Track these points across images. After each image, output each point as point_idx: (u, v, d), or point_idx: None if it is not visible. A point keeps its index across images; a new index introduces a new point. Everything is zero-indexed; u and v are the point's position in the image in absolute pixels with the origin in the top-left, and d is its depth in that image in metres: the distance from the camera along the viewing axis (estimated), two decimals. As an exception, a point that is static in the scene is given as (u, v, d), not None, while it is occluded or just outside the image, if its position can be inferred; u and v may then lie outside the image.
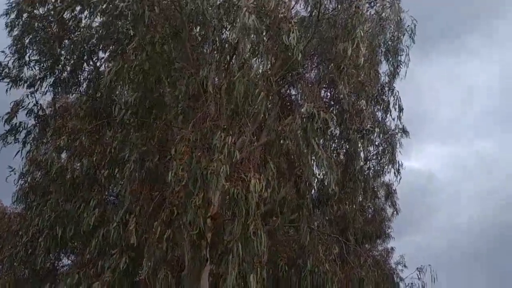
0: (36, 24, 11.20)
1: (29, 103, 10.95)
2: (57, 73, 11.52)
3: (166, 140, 9.26)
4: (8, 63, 11.10)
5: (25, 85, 11.35)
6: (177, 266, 9.11)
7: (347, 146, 11.92)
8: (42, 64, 11.51)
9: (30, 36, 11.13)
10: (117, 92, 8.97)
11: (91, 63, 11.12)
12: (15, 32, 11.09)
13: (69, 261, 11.26)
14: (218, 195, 9.86)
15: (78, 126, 9.52)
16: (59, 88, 11.61)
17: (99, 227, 8.76)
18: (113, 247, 8.57)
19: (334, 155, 12.68)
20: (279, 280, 10.49)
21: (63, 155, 9.63)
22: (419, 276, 10.74)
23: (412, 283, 10.98)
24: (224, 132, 8.21)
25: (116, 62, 8.80)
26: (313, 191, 11.05)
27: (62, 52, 10.98)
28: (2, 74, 11.06)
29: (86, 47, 10.68)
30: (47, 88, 11.51)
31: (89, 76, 11.32)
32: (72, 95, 11.97)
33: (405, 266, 17.90)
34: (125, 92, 9.27)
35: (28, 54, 11.13)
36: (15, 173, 10.56)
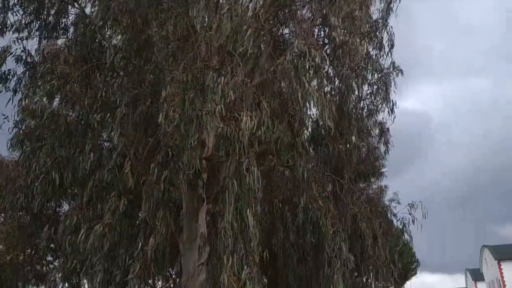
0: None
1: (17, 49, 10.69)
2: (42, 17, 11.20)
3: (158, 83, 9.17)
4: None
5: (11, 31, 11.08)
6: (174, 207, 9.33)
7: (340, 85, 11.85)
8: (26, 9, 11.17)
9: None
10: (106, 35, 8.73)
11: (76, 5, 10.77)
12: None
13: (69, 207, 11.49)
14: (212, 136, 9.94)
15: (67, 71, 9.38)
16: (46, 33, 11.33)
17: (95, 172, 8.86)
18: (110, 190, 8.73)
19: (328, 95, 12.66)
20: (274, 217, 10.82)
21: (55, 103, 9.57)
22: (410, 212, 11.08)
23: (403, 217, 11.33)
24: (216, 73, 8.14)
25: (102, 3, 8.55)
26: (307, 130, 11.13)
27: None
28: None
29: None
30: (33, 33, 11.26)
31: (76, 20, 11.00)
32: (59, 40, 11.71)
33: (398, 203, 18.36)
34: (113, 35, 9.06)
35: (12, -1, 10.74)
36: (8, 121, 10.53)
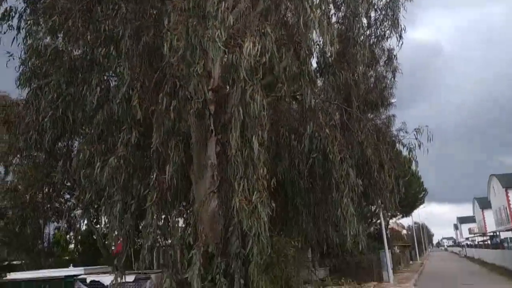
0: None
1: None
2: None
3: (160, 13, 9.02)
4: None
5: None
6: (184, 139, 9.50)
7: (347, 12, 11.56)
8: None
9: None
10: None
11: None
12: None
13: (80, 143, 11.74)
14: (218, 67, 9.93)
15: (68, 6, 9.23)
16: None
17: (103, 106, 8.98)
18: (121, 124, 8.89)
19: (335, 23, 12.38)
20: (281, 146, 11.00)
21: (60, 39, 9.50)
22: (416, 136, 11.18)
23: (409, 143, 11.46)
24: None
25: None
26: (313, 59, 11.02)
27: None
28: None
29: None
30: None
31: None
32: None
33: (406, 132, 18.44)
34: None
35: None
36: (13, 59, 10.55)
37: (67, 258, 32.63)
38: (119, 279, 8.31)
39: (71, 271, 12.34)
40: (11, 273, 13.87)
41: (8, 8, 10.54)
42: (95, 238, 30.89)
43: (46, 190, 26.77)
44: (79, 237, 35.13)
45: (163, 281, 8.00)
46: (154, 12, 9.13)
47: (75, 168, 8.78)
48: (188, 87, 8.28)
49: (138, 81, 8.50)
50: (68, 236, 35.52)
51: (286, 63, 9.61)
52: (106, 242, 30.78)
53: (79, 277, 11.38)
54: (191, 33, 7.65)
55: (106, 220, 8.18)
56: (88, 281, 10.99)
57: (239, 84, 7.82)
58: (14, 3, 10.42)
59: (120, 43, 8.61)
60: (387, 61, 13.88)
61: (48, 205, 28.45)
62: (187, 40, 7.62)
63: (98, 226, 29.57)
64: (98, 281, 10.79)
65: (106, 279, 11.00)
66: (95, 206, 12.81)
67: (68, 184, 26.48)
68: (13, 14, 10.49)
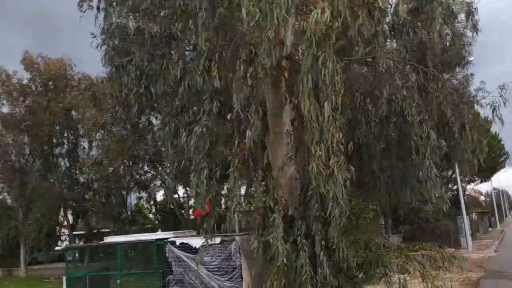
0: None
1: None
2: None
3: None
4: None
5: None
6: (261, 105, 9.75)
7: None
8: None
9: None
10: None
11: None
12: None
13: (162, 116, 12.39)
14: (290, 35, 9.98)
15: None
16: None
17: (183, 79, 9.43)
18: (200, 94, 9.31)
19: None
20: (355, 110, 10.93)
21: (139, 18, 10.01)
22: (501, 93, 10.60)
23: (493, 101, 10.90)
24: None
25: None
26: (387, 18, 10.68)
27: None
28: None
29: None
30: None
31: None
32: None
33: (486, 91, 17.46)
34: None
35: None
36: (96, 39, 11.27)
37: (149, 225, 35.10)
38: (208, 241, 8.89)
39: (161, 235, 13.35)
40: (107, 237, 15.23)
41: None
42: (172, 207, 32.86)
43: (128, 163, 28.74)
44: (158, 206, 37.52)
45: (250, 242, 8.46)
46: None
47: (163, 140, 9.37)
48: (262, 54, 8.45)
49: (216, 52, 8.79)
50: (148, 205, 38.07)
51: (360, 24, 9.44)
52: (183, 211, 32.60)
53: (169, 239, 12.30)
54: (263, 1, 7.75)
55: (194, 186, 8.65)
56: (177, 243, 11.85)
57: (310, 51, 7.84)
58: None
59: (196, 17, 8.92)
60: (465, 17, 13.10)
61: (130, 177, 30.59)
62: (259, 7, 7.74)
63: (176, 195, 31.35)
64: (187, 243, 11.61)
65: (194, 242, 11.82)
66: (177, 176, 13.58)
67: (147, 157, 28.21)
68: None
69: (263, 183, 11.21)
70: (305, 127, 8.38)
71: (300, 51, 9.38)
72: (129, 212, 33.92)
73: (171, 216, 33.73)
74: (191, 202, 28.80)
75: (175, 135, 9.73)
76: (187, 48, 10.14)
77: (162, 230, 17.03)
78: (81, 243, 32.07)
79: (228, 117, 9.79)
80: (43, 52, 31.95)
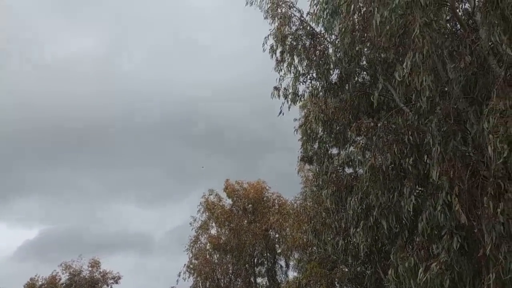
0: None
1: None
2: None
3: (467, 114, 9.35)
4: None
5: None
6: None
7: None
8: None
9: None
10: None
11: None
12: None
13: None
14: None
15: (371, 124, 10.51)
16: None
17: (419, 213, 9.44)
18: (439, 229, 9.13)
19: None
20: None
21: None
22: None
23: None
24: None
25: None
26: None
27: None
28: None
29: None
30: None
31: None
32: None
33: None
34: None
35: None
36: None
37: None
38: None
39: None
40: None
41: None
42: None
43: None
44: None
45: None
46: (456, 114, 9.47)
47: (403, 275, 9.27)
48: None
49: (456, 185, 8.71)
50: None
51: None
52: None
53: None
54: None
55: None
56: None
57: None
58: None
59: (429, 152, 9.14)
60: None
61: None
62: (508, 143, 7.65)
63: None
64: None
65: None
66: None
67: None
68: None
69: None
70: None
71: None
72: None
73: None
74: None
75: (414, 270, 9.52)
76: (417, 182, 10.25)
77: None
78: None
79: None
80: (240, 179, 35.59)
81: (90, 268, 38.51)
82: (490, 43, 8.85)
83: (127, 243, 51.35)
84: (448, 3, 9.64)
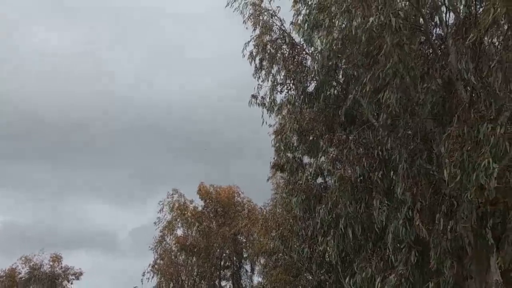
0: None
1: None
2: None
3: (433, 135, 9.93)
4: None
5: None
6: (462, 255, 9.67)
7: None
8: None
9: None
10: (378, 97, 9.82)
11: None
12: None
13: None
14: (494, 181, 10.03)
15: (343, 137, 10.98)
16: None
17: (384, 226, 9.96)
18: (400, 242, 9.68)
19: None
20: None
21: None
22: None
23: None
24: (491, 123, 8.47)
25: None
26: None
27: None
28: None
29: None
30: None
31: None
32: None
33: None
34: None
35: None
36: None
37: None
38: None
39: None
40: None
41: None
42: None
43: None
44: None
45: None
46: (423, 134, 10.05)
47: (361, 285, 9.74)
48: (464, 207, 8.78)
49: (418, 201, 9.27)
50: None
51: None
52: None
53: None
54: (465, 159, 8.27)
55: None
56: None
57: None
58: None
59: (396, 167, 9.68)
60: None
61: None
62: (461, 168, 8.26)
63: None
64: None
65: None
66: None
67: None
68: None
69: None
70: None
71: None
72: None
73: None
74: None
75: (371, 281, 10.02)
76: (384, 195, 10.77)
77: None
78: None
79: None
80: (215, 183, 35.80)
81: (51, 263, 37.92)
82: (458, 69, 9.46)
83: (90, 240, 50.89)
84: (422, 28, 10.24)
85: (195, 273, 34.69)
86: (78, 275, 38.55)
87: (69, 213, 55.08)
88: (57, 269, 38.18)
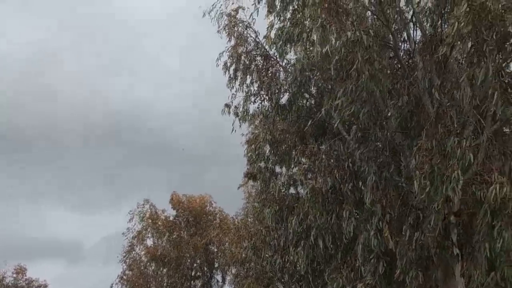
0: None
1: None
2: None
3: (396, 150, 10.30)
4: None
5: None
6: (428, 264, 10.02)
7: None
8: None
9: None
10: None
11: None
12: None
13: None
14: (459, 195, 10.47)
15: (315, 150, 11.24)
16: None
17: (354, 236, 10.22)
18: (369, 253, 9.95)
19: None
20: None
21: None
22: None
23: None
24: (457, 137, 8.91)
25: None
26: None
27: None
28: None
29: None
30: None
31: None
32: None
33: None
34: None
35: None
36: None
37: None
38: None
39: None
40: None
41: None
42: None
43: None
44: None
45: None
46: (391, 147, 10.41)
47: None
48: (430, 219, 9.16)
49: (387, 213, 9.58)
50: None
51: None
52: None
53: None
54: (435, 171, 8.66)
55: None
56: None
57: (484, 219, 8.37)
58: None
59: (366, 179, 9.98)
60: None
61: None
62: (430, 180, 8.64)
63: None
64: None
65: None
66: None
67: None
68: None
69: None
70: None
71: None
72: None
73: None
74: None
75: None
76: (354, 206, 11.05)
77: None
78: None
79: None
80: (188, 193, 35.59)
81: (14, 275, 36.77)
82: (425, 85, 9.88)
83: (55, 249, 49.36)
84: (390, 43, 10.66)
85: (165, 284, 34.32)
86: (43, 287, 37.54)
87: (31, 221, 53.46)
88: (21, 281, 37.07)
